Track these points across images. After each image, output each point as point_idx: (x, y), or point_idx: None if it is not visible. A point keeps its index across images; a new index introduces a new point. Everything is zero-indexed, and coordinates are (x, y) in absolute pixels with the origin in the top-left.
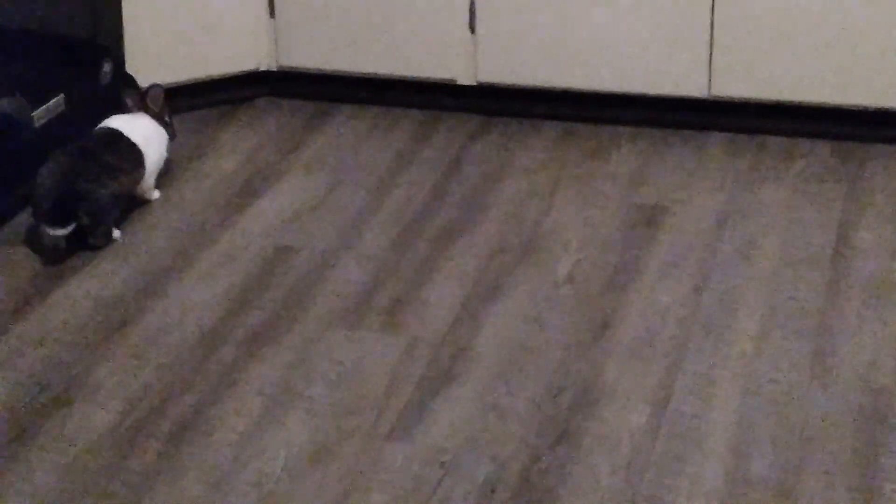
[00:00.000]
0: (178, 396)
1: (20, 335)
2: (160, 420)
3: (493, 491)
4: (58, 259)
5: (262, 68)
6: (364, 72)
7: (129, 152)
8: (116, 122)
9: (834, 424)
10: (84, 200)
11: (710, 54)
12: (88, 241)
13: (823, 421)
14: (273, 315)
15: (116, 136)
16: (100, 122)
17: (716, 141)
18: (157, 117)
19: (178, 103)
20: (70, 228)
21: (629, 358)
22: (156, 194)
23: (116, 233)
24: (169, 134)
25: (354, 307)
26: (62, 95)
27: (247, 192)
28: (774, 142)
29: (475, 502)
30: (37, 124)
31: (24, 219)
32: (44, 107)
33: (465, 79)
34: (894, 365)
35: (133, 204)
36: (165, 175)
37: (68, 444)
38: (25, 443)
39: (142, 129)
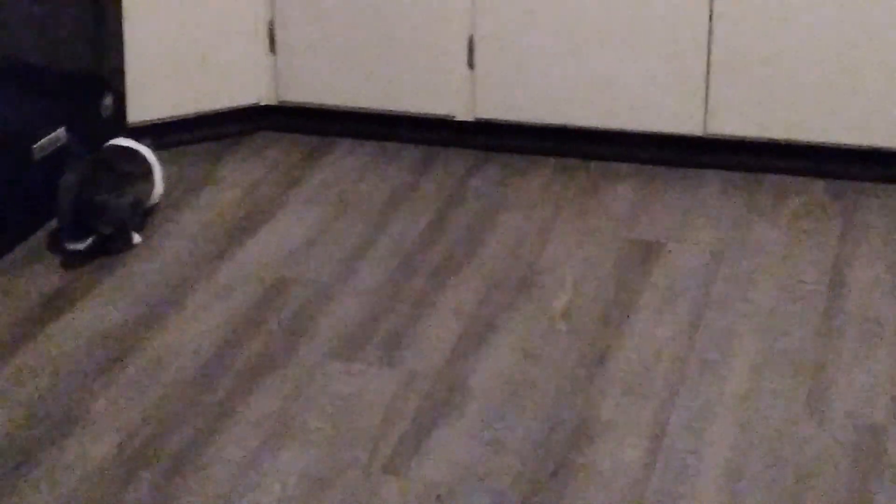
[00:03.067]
0: (175, 428)
1: (19, 366)
2: (157, 452)
3: None
4: (77, 263)
5: (263, 103)
6: (363, 107)
7: (141, 163)
8: (123, 140)
9: (828, 462)
10: (103, 212)
11: (706, 93)
12: (109, 247)
13: (817, 458)
14: (271, 347)
15: (128, 149)
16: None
17: (711, 179)
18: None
19: (180, 136)
20: (89, 241)
21: (624, 393)
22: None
23: (137, 238)
24: None
25: (352, 340)
26: (63, 128)
27: (246, 224)
28: (769, 180)
29: None
30: (38, 156)
31: (23, 250)
32: (45, 139)
33: (463, 115)
34: (887, 402)
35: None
36: (155, 213)
37: (66, 474)
38: (23, 473)
39: (146, 148)
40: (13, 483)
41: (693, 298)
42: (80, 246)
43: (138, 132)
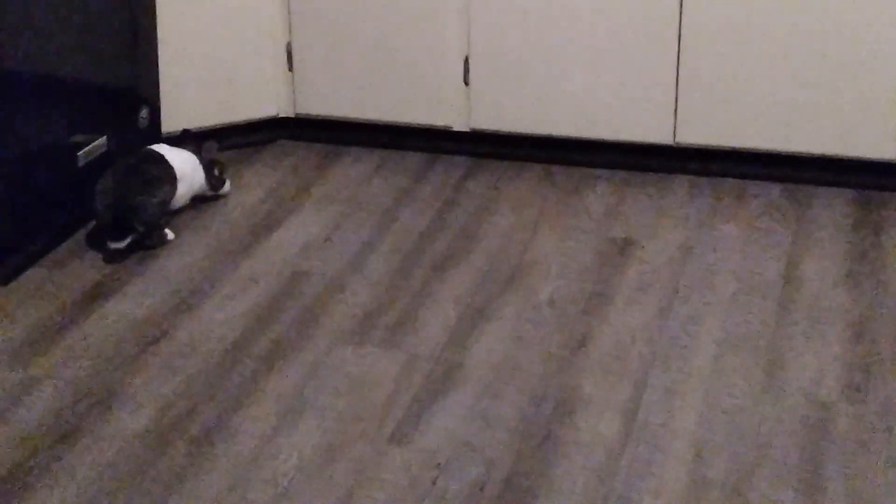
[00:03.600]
0: (204, 404)
1: (65, 348)
2: (188, 424)
3: (481, 489)
4: (119, 259)
5: (281, 115)
6: (371, 118)
7: (166, 168)
8: (160, 146)
9: (783, 433)
10: (136, 212)
11: (676, 106)
12: (146, 243)
13: (774, 431)
14: (288, 332)
15: (156, 155)
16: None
17: (679, 183)
18: (204, 164)
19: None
20: (129, 240)
21: (602, 373)
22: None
23: (170, 234)
24: (209, 183)
25: (360, 326)
26: (105, 137)
27: (267, 223)
28: (731, 184)
29: (465, 499)
30: (82, 163)
31: (68, 247)
32: (88, 147)
33: (459, 125)
34: (836, 381)
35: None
36: (186, 212)
37: (107, 444)
38: (69, 443)
39: (179, 158)
40: (60, 453)
41: (663, 289)
42: (121, 245)
43: (172, 141)
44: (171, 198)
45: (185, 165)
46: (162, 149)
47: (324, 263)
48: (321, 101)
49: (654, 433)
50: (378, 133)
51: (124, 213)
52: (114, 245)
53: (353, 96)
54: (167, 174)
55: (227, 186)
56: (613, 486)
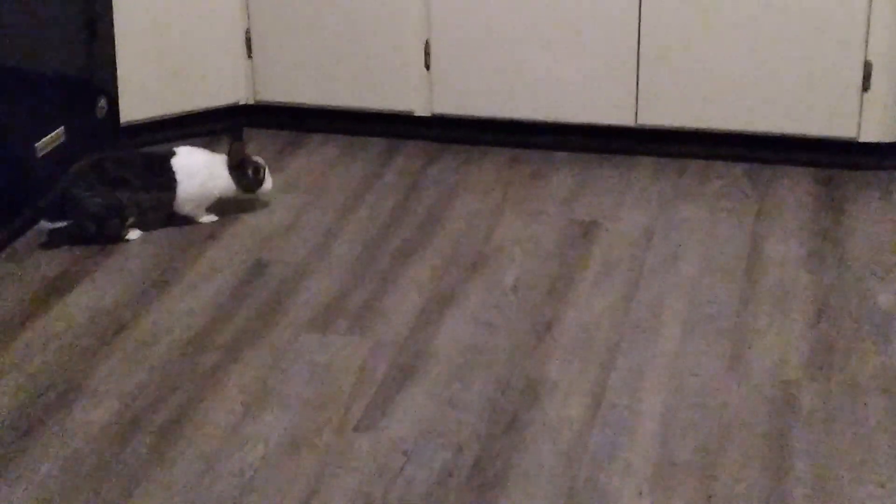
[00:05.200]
0: (167, 395)
1: (26, 341)
2: (152, 416)
3: (449, 476)
4: (55, 242)
5: (242, 102)
6: (332, 105)
7: (158, 174)
8: (180, 147)
9: (748, 412)
10: (71, 204)
11: (637, 88)
12: (90, 237)
13: (739, 410)
14: (252, 322)
15: (156, 158)
16: (96, 152)
17: (642, 164)
18: (231, 166)
19: (166, 134)
20: (59, 225)
21: (568, 356)
22: (204, 218)
23: (134, 234)
24: (241, 184)
25: (325, 313)
26: (63, 128)
27: (230, 211)
28: (694, 165)
29: (434, 486)
30: (40, 154)
31: (27, 239)
32: (46, 137)
33: (421, 110)
34: (799, 360)
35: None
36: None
37: (70, 438)
38: (31, 437)
39: (191, 161)
40: (23, 446)
41: (628, 271)
42: (49, 225)
43: (130, 131)
44: (158, 204)
45: (201, 168)
46: (181, 151)
47: (287, 251)
48: (282, 88)
49: (620, 415)
50: (340, 119)
51: (63, 200)
52: (43, 222)
53: (313, 82)
54: (152, 181)
55: (267, 185)
56: (581, 468)
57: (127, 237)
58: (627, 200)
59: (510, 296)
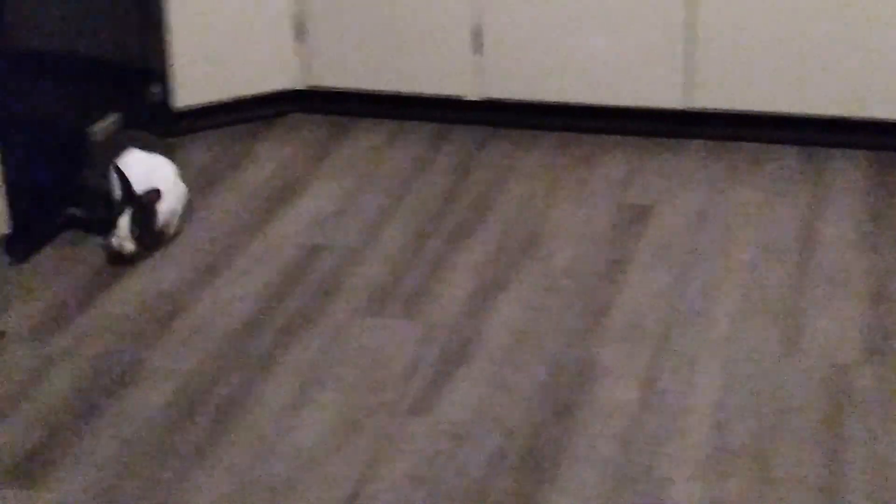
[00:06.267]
0: (223, 378)
1: (85, 325)
2: (208, 399)
3: (502, 459)
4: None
5: (293, 87)
6: (383, 89)
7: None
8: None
9: (803, 397)
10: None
11: (688, 71)
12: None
13: (794, 394)
14: (306, 305)
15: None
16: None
17: (694, 147)
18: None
19: (218, 119)
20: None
21: (621, 340)
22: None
23: (126, 247)
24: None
25: (377, 297)
26: (117, 113)
27: (281, 197)
28: (746, 148)
29: (486, 469)
30: (94, 139)
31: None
32: (100, 123)
33: (471, 95)
34: (855, 343)
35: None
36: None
37: (127, 420)
38: (90, 419)
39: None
40: (81, 428)
41: (680, 254)
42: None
43: (183, 116)
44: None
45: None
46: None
47: (339, 236)
48: (332, 73)
49: (673, 399)
50: (390, 104)
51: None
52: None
53: (364, 68)
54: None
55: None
56: (634, 453)
57: (120, 248)
58: (679, 184)
59: (562, 280)
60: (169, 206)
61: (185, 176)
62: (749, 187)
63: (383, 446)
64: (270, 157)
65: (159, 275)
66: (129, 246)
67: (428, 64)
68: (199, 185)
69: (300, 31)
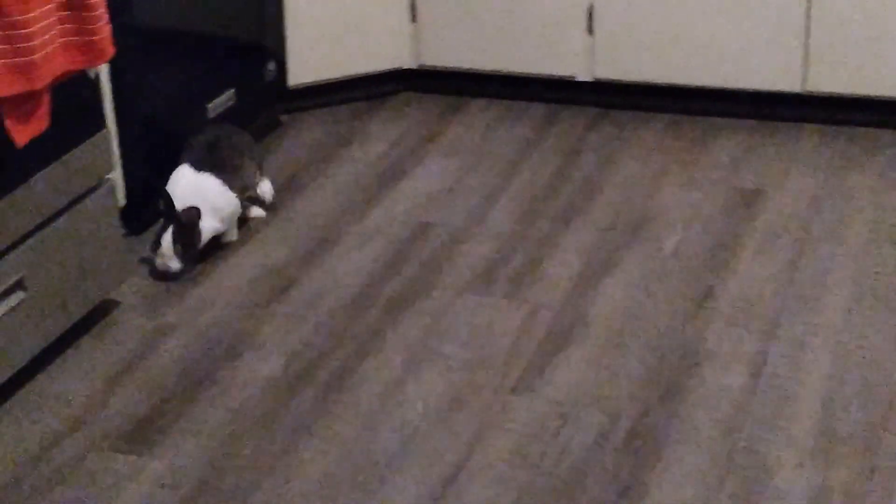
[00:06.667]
0: (331, 352)
1: (198, 298)
2: (316, 372)
3: (605, 440)
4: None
5: (405, 66)
6: (494, 69)
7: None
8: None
9: None
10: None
11: (805, 53)
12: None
13: None
14: (413, 283)
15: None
16: (264, 114)
17: (808, 132)
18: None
19: (331, 97)
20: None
21: (728, 325)
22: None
23: (172, 265)
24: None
25: (484, 276)
26: (233, 90)
27: (391, 175)
28: (862, 133)
29: (590, 449)
30: (211, 115)
31: None
32: (217, 99)
33: (583, 75)
34: None
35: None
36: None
37: (238, 390)
38: (202, 389)
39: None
40: (193, 397)
41: (792, 240)
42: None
43: (297, 94)
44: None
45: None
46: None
47: (448, 214)
48: (444, 53)
49: (781, 386)
50: (501, 84)
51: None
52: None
53: (476, 47)
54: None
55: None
56: (740, 438)
57: (252, 215)
58: (793, 168)
59: (670, 262)
60: (213, 226)
61: (297, 153)
62: (863, 172)
63: (486, 424)
64: (381, 135)
65: (271, 249)
66: (175, 264)
67: (540, 44)
68: (310, 161)
69: (414, 10)
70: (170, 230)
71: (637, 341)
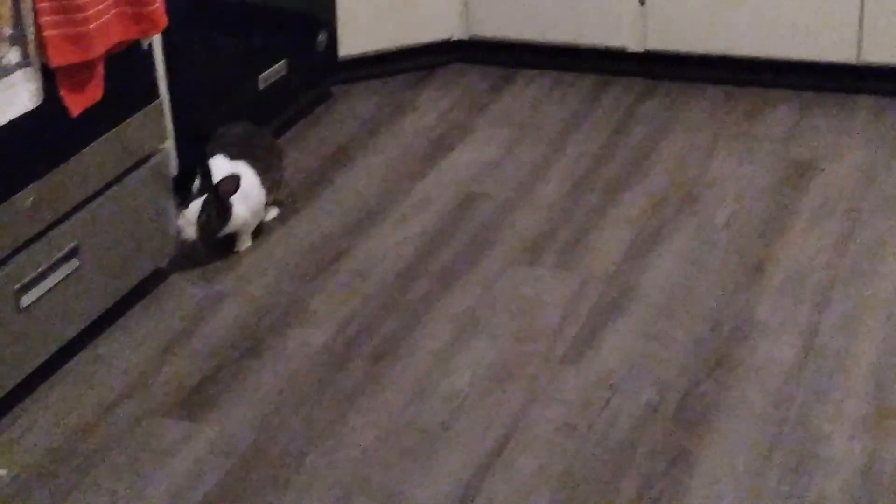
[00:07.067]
0: (380, 322)
1: (249, 267)
2: (366, 342)
3: (655, 411)
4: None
5: (455, 37)
6: (544, 40)
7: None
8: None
9: None
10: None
11: (860, 23)
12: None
13: None
14: (462, 254)
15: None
16: (315, 86)
17: (864, 103)
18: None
19: (382, 68)
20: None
21: (780, 297)
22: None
23: (273, 213)
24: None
25: (533, 247)
26: (284, 61)
27: (440, 146)
28: None
29: (639, 420)
30: (262, 86)
31: None
32: (269, 70)
33: (634, 46)
34: None
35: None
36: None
37: (288, 359)
38: (253, 357)
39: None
40: (244, 366)
41: (845, 212)
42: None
43: (348, 65)
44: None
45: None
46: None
47: (497, 185)
48: (495, 24)
49: (833, 358)
50: (551, 55)
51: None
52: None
53: (527, 18)
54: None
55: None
56: (790, 410)
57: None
58: (847, 140)
59: (721, 234)
60: (243, 213)
61: (347, 124)
62: None
63: (535, 394)
64: (432, 105)
65: (321, 220)
66: (191, 232)
67: (590, 15)
68: (360, 133)
69: None
70: (201, 200)
71: (687, 312)
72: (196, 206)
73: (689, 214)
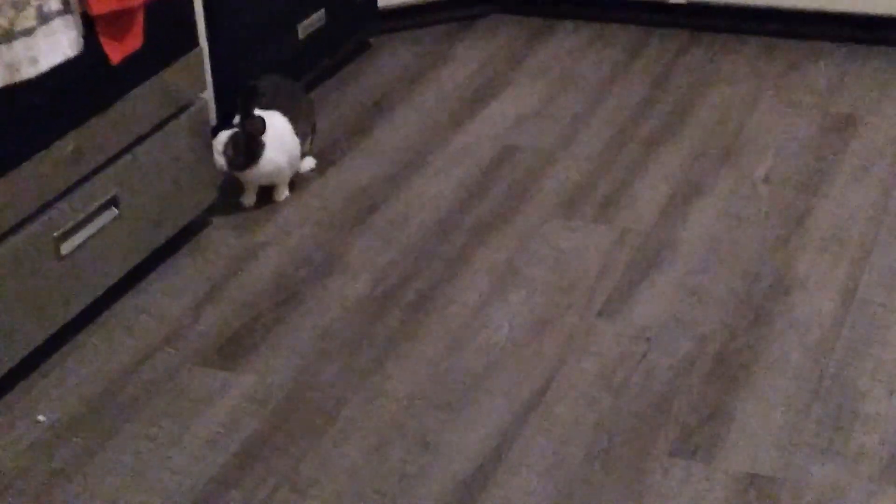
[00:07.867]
0: (418, 273)
1: (287, 217)
2: (403, 292)
3: (692, 365)
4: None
5: None
6: None
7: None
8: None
9: None
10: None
11: None
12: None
13: None
14: (499, 206)
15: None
16: (354, 36)
17: None
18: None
19: (421, 19)
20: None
21: (820, 251)
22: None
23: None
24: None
25: (571, 200)
26: (322, 10)
27: (478, 97)
28: None
29: (676, 374)
30: (301, 35)
31: None
32: (308, 20)
33: None
34: None
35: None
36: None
37: (326, 309)
38: (291, 307)
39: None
40: (282, 315)
41: (888, 167)
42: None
43: (387, 16)
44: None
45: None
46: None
47: (535, 137)
48: None
49: (873, 313)
50: (591, 6)
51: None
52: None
53: None
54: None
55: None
56: (829, 365)
57: (303, 168)
58: (891, 94)
59: (761, 188)
60: (278, 159)
61: (385, 75)
62: None
63: (571, 347)
64: (470, 57)
65: (358, 171)
66: (221, 160)
67: None
68: (398, 84)
69: None
70: (230, 132)
71: (726, 266)
72: (224, 136)
73: (730, 167)
